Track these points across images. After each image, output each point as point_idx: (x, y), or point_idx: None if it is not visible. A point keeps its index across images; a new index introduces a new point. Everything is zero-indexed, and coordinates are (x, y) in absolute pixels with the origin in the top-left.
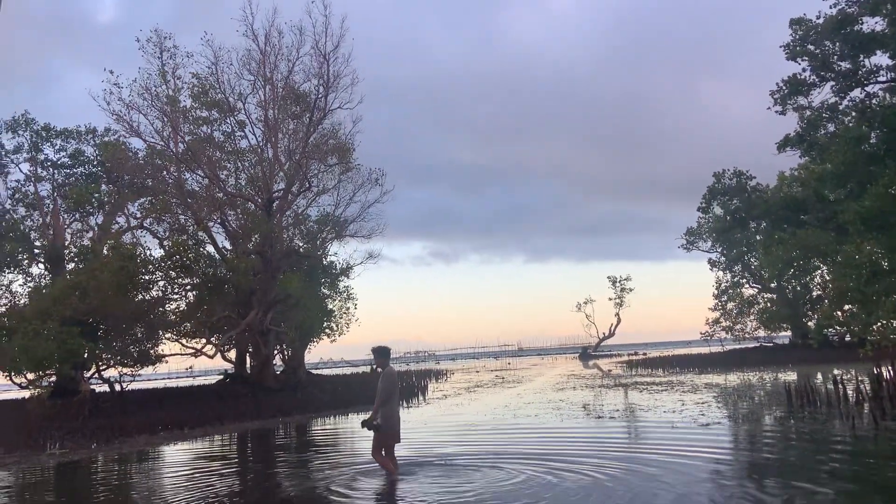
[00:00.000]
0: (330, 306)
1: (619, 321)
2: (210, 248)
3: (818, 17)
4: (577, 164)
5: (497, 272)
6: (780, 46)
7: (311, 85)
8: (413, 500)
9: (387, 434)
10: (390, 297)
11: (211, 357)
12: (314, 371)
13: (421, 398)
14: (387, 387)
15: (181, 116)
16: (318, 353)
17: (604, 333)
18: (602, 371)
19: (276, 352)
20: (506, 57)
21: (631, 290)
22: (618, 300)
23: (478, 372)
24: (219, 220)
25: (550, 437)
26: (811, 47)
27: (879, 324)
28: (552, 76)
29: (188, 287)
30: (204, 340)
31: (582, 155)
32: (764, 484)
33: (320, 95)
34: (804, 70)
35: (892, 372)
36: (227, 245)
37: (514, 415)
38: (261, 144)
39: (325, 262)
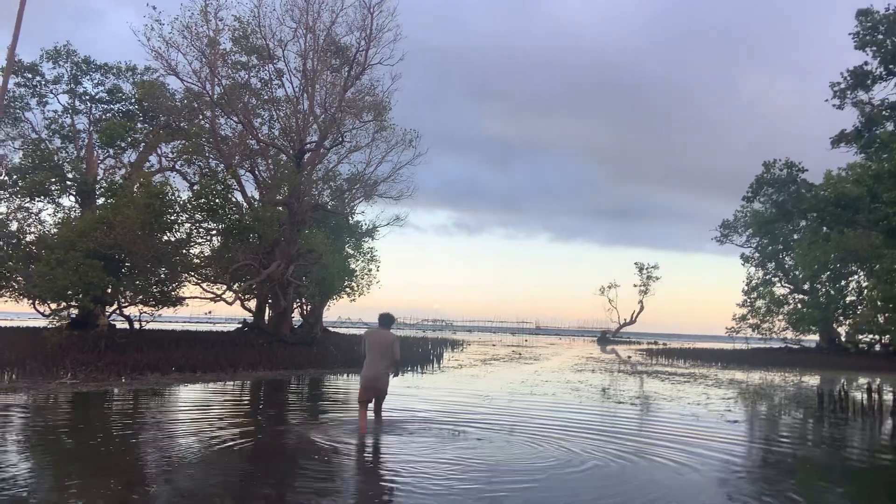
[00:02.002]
0: (352, 266)
1: (641, 308)
2: (238, 196)
3: (887, 10)
4: (607, 146)
5: (520, 248)
6: (849, 34)
7: (352, 38)
8: (400, 460)
9: (361, 387)
10: (412, 264)
11: (230, 304)
12: (331, 329)
13: (436, 365)
14: (364, 345)
15: (220, 59)
16: (337, 312)
17: (625, 319)
18: (621, 357)
19: (295, 305)
20: (544, 32)
21: (658, 278)
22: (643, 287)
23: (494, 345)
24: (249, 168)
25: (564, 417)
26: (881, 37)
27: None
28: (589, 55)
29: (213, 232)
30: (224, 287)
31: (613, 137)
32: (797, 484)
33: (361, 49)
34: (866, 63)
35: None
36: (256, 194)
37: (531, 392)
38: (297, 95)
39: (351, 221)
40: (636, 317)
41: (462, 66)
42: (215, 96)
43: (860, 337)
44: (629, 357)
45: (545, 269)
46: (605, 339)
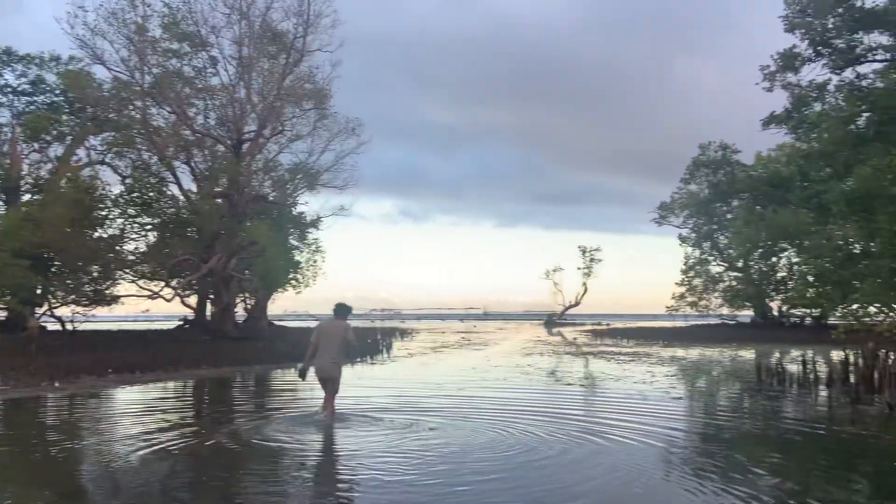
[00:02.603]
0: (297, 257)
1: (585, 290)
2: (174, 189)
3: None
4: (549, 131)
5: (466, 235)
6: (779, 17)
7: (289, 24)
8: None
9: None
10: (358, 253)
11: (168, 300)
12: (278, 322)
13: (385, 355)
14: (315, 335)
15: (149, 46)
16: (283, 305)
17: (570, 302)
18: (567, 339)
19: (238, 300)
20: (483, 17)
21: (600, 260)
22: (586, 270)
23: (443, 332)
24: (184, 160)
25: (516, 400)
26: (810, 20)
27: (854, 307)
28: (529, 40)
29: (148, 227)
30: (162, 283)
31: (554, 122)
32: (723, 456)
33: (299, 35)
34: (795, 46)
35: (858, 355)
36: (193, 187)
37: (482, 378)
38: (233, 83)
39: (294, 213)
40: (581, 299)
41: (401, 52)
42: (145, 85)
43: (792, 311)
44: (575, 339)
45: (491, 255)
46: (552, 322)
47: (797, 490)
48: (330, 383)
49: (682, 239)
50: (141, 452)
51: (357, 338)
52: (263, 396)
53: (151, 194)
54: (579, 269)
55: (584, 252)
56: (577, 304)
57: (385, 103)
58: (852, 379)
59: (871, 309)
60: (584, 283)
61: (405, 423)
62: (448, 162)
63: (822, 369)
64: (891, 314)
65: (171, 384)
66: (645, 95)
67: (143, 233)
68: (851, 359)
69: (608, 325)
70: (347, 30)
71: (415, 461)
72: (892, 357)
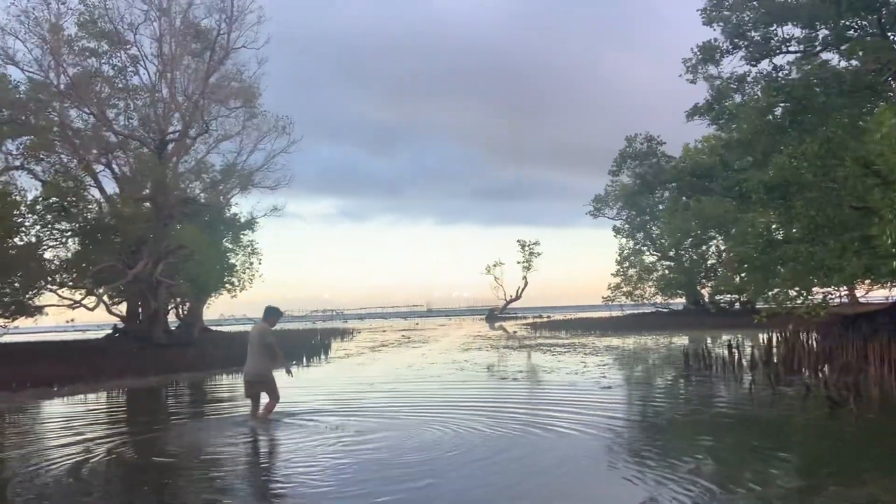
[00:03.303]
0: (232, 260)
1: (526, 284)
2: (96, 193)
3: None
4: (486, 127)
5: (407, 233)
6: (697, 11)
7: (212, 20)
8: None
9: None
10: (298, 255)
11: (91, 310)
12: (213, 327)
13: (323, 357)
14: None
15: (65, 45)
16: (220, 309)
17: (511, 296)
18: (508, 332)
19: (171, 306)
20: (417, 15)
21: (539, 254)
22: (526, 264)
23: (384, 332)
24: (105, 163)
25: (450, 397)
26: (727, 13)
27: (774, 291)
28: (462, 36)
29: (68, 233)
30: (85, 291)
31: (491, 119)
32: (659, 443)
33: (223, 32)
34: (715, 39)
35: (781, 338)
36: (116, 190)
37: (417, 375)
38: (154, 82)
39: (227, 214)
40: (521, 293)
41: (336, 50)
42: (61, 86)
43: (720, 297)
44: (515, 332)
45: (433, 253)
46: (494, 316)
47: (716, 472)
48: (259, 388)
49: (617, 230)
50: (50, 469)
51: (277, 340)
52: (183, 406)
53: (71, 199)
54: (519, 263)
55: (523, 246)
56: (517, 297)
57: (321, 102)
58: (775, 360)
59: (792, 293)
60: (524, 277)
61: (333, 424)
62: (387, 160)
63: (749, 353)
64: (809, 297)
65: (91, 396)
66: (579, 90)
67: (63, 239)
68: (775, 341)
69: (548, 317)
70: (280, 28)
71: (338, 468)
72: (814, 337)
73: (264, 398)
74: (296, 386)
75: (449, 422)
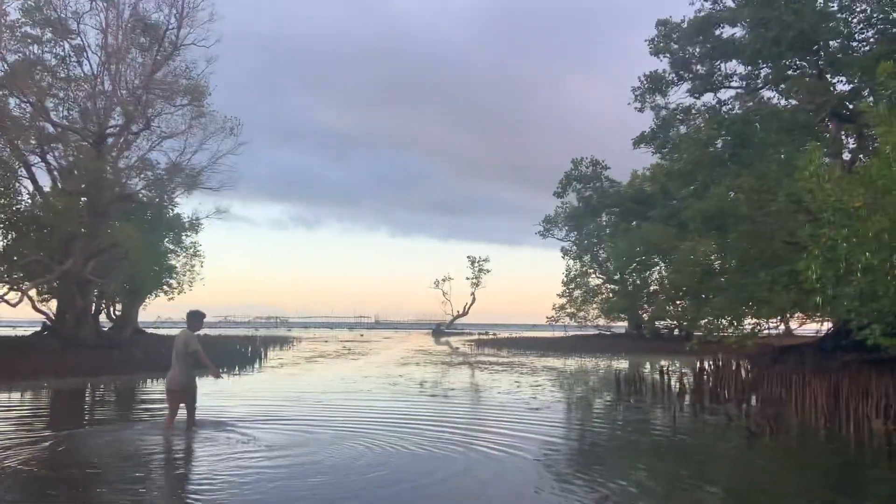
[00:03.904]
0: (172, 262)
1: (473, 300)
2: (28, 184)
3: (682, 22)
4: (444, 140)
5: (360, 243)
6: (645, 41)
7: (162, 15)
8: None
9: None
10: (246, 259)
11: (13, 305)
12: (149, 330)
13: (256, 366)
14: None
15: (7, 31)
16: (157, 311)
17: (458, 312)
18: (451, 348)
19: (103, 307)
20: (378, 23)
21: (488, 271)
22: (474, 280)
23: (326, 342)
24: (40, 154)
25: (371, 413)
26: (675, 46)
27: (706, 320)
28: (424, 47)
29: None
30: (7, 287)
31: (450, 131)
32: (578, 472)
33: (172, 27)
34: (665, 70)
35: (712, 367)
36: (49, 183)
37: (346, 389)
38: (97, 73)
39: (171, 214)
40: (468, 308)
41: (292, 54)
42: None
43: (658, 324)
44: (458, 348)
45: (385, 264)
46: (440, 331)
47: (627, 499)
48: (180, 398)
49: (565, 252)
50: None
51: (197, 347)
52: (92, 411)
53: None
54: (468, 279)
55: (472, 262)
56: (465, 313)
57: (276, 105)
58: (703, 389)
59: (723, 322)
60: (473, 294)
61: (245, 437)
62: (342, 168)
63: (679, 380)
64: (739, 327)
65: None
66: (536, 111)
67: None
68: (707, 368)
69: (494, 334)
70: (236, 28)
71: (236, 484)
72: (744, 366)
73: (183, 409)
74: (217, 395)
75: (367, 438)
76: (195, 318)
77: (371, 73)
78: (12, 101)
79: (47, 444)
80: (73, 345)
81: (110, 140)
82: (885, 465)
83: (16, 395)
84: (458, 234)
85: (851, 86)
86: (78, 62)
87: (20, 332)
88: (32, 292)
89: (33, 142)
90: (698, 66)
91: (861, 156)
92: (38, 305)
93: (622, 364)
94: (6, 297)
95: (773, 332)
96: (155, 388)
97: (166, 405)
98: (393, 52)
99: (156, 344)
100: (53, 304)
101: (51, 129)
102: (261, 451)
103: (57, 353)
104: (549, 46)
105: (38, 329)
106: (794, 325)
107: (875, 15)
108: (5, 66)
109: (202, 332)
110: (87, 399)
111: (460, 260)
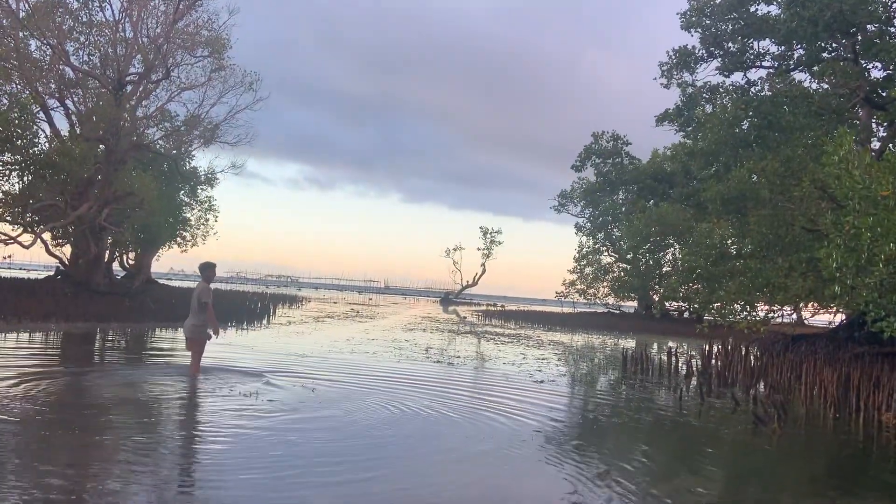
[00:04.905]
0: (187, 215)
1: (483, 271)
2: (46, 128)
3: None
4: (460, 109)
5: (372, 207)
6: (677, 13)
7: None
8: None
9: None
10: (259, 217)
11: (26, 247)
12: (162, 281)
13: (264, 322)
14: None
15: None
16: (170, 263)
17: (467, 281)
18: (459, 317)
19: (116, 255)
20: None
21: (500, 243)
22: (486, 251)
23: (335, 303)
24: (59, 98)
25: (374, 375)
26: (707, 21)
27: (719, 304)
28: (445, 15)
29: (14, 167)
30: (21, 228)
31: (466, 101)
32: (579, 447)
33: None
34: (694, 46)
35: (721, 351)
36: (67, 127)
37: (352, 350)
38: (118, 19)
39: (187, 167)
40: (478, 279)
41: (317, 16)
42: (21, 13)
43: (668, 305)
44: (465, 317)
45: (396, 229)
46: (448, 299)
47: (627, 477)
48: (189, 344)
49: (578, 228)
50: None
51: (208, 300)
52: (101, 354)
53: (17, 130)
54: (479, 249)
55: (485, 233)
56: (474, 284)
57: (294, 66)
58: (710, 372)
59: (736, 306)
60: (483, 265)
61: (248, 391)
62: (357, 131)
63: (687, 361)
64: (752, 313)
65: (7, 336)
66: (555, 85)
67: (7, 171)
68: (715, 351)
69: (502, 306)
70: None
71: (237, 446)
72: (754, 352)
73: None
74: (226, 348)
75: (370, 399)
76: (208, 269)
77: (390, 38)
78: (33, 44)
79: (48, 382)
80: (84, 290)
81: (129, 88)
82: (893, 458)
83: (24, 336)
84: (470, 204)
85: (886, 72)
86: (100, 6)
87: (34, 275)
88: (46, 236)
89: (52, 85)
90: (730, 44)
91: (891, 145)
92: (52, 250)
93: (630, 343)
94: (20, 239)
95: (786, 319)
96: (164, 336)
97: (174, 353)
98: (413, 19)
99: (167, 294)
100: (67, 249)
101: (70, 73)
102: (261, 405)
103: (69, 298)
104: (569, 21)
105: (52, 273)
106: (806, 314)
107: None
108: (27, 5)
109: (213, 284)
110: (95, 343)
111: (471, 230)
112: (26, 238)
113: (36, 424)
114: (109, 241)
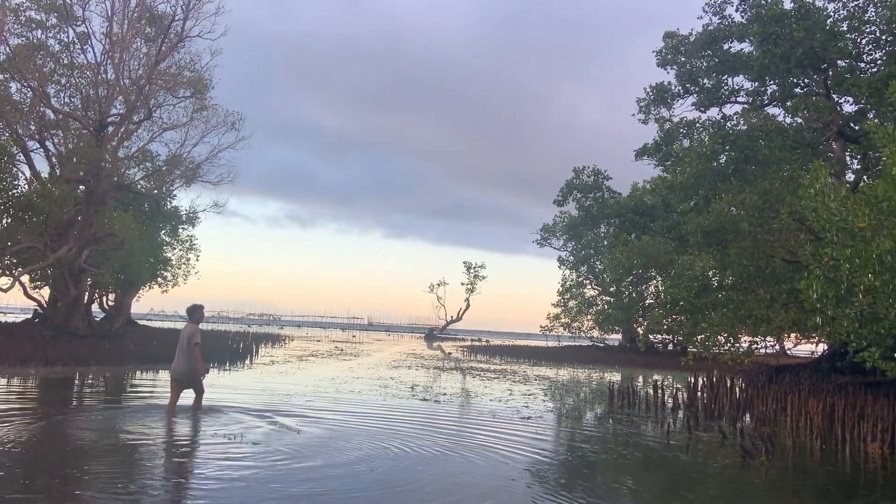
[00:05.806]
0: (167, 254)
1: (467, 306)
2: (26, 170)
3: (690, 35)
4: (440, 144)
5: (354, 243)
6: (653, 52)
7: (168, 6)
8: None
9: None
10: (241, 255)
11: (4, 291)
12: (142, 322)
13: (247, 362)
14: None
15: (11, 14)
16: (150, 304)
17: (452, 317)
18: (443, 353)
19: (96, 296)
20: (377, 25)
21: (484, 277)
22: (469, 286)
23: (319, 341)
24: (39, 140)
25: (360, 414)
26: (682, 58)
27: (702, 335)
28: (423, 51)
29: None
30: (0, 271)
31: (446, 136)
32: (566, 483)
33: (178, 18)
34: (670, 82)
35: (707, 382)
36: (47, 169)
37: (337, 389)
38: (100, 61)
39: (168, 206)
40: (462, 314)
41: (294, 52)
42: (2, 56)
43: (653, 337)
44: (450, 353)
45: (379, 266)
46: (433, 335)
47: None
48: (187, 385)
49: (561, 261)
50: None
51: (198, 341)
52: (80, 398)
53: None
54: (463, 284)
55: (468, 268)
56: (458, 319)
57: (275, 103)
58: (697, 405)
59: (720, 338)
60: (467, 299)
61: (231, 433)
62: (338, 168)
63: (673, 394)
64: (736, 344)
65: None
66: (533, 118)
67: None
68: (700, 384)
69: (487, 341)
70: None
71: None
72: (739, 384)
73: (189, 392)
74: (210, 387)
75: (354, 439)
76: (196, 310)
77: (369, 74)
78: (13, 86)
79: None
80: (63, 333)
81: (111, 129)
82: (880, 489)
83: (2, 381)
84: (452, 238)
85: (858, 106)
86: (81, 49)
87: (11, 318)
88: (25, 278)
89: (33, 127)
90: (705, 80)
91: (865, 176)
92: (31, 292)
93: (615, 376)
94: None
95: (769, 350)
96: (145, 378)
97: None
98: (391, 55)
99: (147, 336)
100: (46, 292)
101: (51, 115)
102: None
103: (47, 342)
104: (546, 54)
105: (30, 316)
106: (788, 344)
107: (884, 36)
108: (8, 49)
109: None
110: (74, 388)
111: (454, 264)
112: (4, 281)
113: (14, 472)
114: (89, 283)
